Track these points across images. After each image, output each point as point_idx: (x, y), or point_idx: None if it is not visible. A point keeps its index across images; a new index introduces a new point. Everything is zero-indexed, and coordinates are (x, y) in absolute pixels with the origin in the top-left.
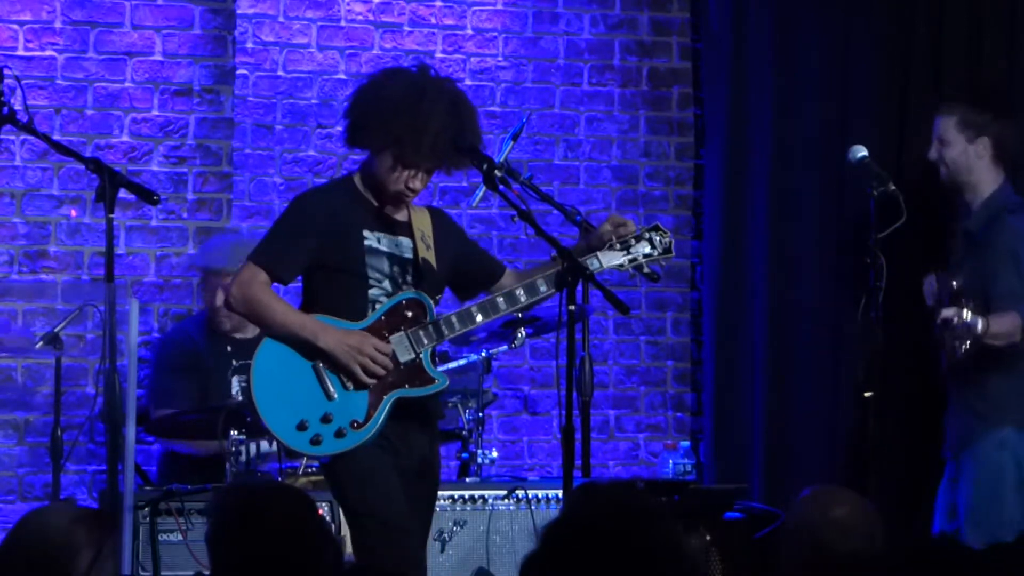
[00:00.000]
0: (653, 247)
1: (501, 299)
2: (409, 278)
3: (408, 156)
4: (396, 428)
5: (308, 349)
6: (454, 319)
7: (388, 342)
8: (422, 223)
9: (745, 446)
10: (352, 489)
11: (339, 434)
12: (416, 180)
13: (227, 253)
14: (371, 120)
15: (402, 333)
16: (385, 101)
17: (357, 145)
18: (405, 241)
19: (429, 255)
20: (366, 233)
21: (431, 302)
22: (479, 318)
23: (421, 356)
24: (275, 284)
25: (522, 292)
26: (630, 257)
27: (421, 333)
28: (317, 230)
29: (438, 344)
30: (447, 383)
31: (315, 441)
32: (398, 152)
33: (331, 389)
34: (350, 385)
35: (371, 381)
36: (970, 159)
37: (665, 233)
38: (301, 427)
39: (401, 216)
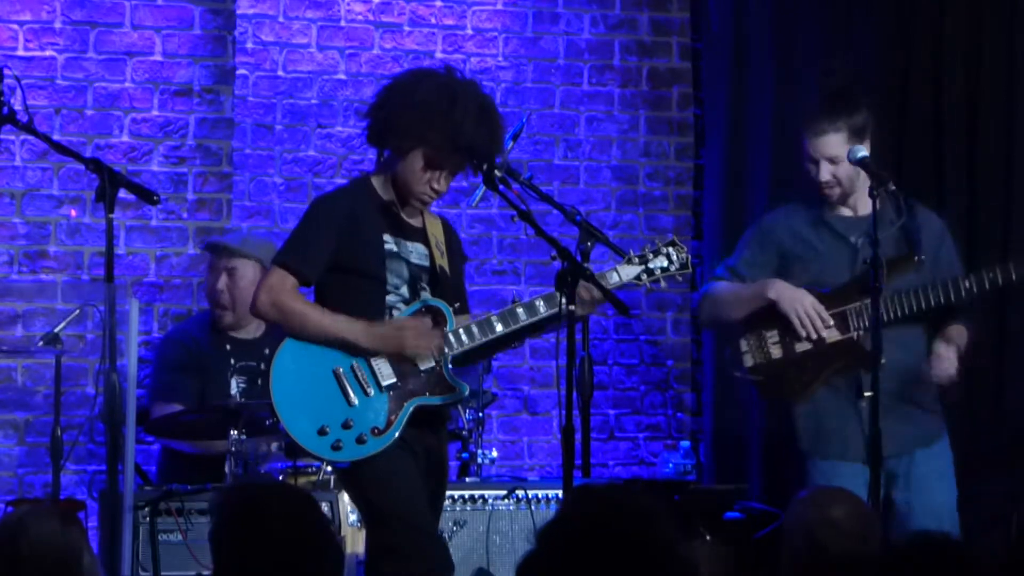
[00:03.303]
0: (671, 262)
1: (521, 309)
2: (426, 285)
3: (439, 157)
4: (411, 431)
5: (333, 354)
6: (474, 328)
7: None
8: (436, 230)
9: (745, 446)
10: (377, 491)
11: (360, 440)
12: (441, 182)
13: (239, 237)
14: (402, 121)
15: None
16: (418, 102)
17: (383, 146)
18: (420, 247)
19: (444, 263)
20: (386, 237)
21: (450, 310)
22: (499, 328)
23: (441, 364)
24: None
25: (542, 303)
26: (648, 271)
27: (450, 339)
28: (338, 231)
29: (457, 352)
30: (468, 391)
31: (336, 447)
32: (429, 153)
33: (352, 395)
34: (371, 391)
35: (432, 357)
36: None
37: (682, 248)
38: (322, 432)
39: (416, 221)
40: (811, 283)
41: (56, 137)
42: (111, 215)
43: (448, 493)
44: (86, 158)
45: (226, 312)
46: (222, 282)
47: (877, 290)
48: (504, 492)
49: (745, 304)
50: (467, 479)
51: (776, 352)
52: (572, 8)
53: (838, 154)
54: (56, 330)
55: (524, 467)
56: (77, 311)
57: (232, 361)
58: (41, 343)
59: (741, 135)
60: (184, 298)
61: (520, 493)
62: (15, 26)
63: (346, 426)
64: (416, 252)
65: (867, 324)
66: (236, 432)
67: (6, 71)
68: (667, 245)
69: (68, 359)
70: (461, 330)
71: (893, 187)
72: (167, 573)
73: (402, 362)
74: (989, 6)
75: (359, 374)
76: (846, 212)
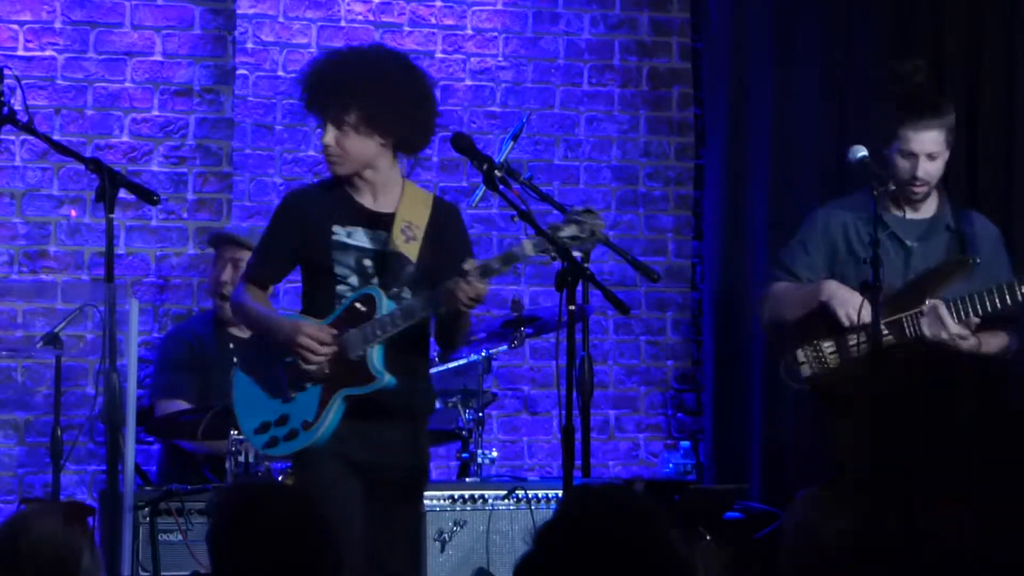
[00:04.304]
0: (581, 231)
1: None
2: (376, 271)
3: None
4: (362, 426)
5: (279, 349)
6: (398, 314)
7: (344, 341)
8: (413, 214)
9: (745, 446)
10: None
11: (291, 435)
12: (325, 135)
13: (244, 231)
14: None
15: (356, 330)
16: None
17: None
18: (381, 233)
19: (409, 247)
20: (335, 228)
21: (383, 297)
22: (420, 314)
23: (366, 352)
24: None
25: None
26: (555, 240)
27: (367, 330)
28: (292, 229)
29: (383, 340)
30: (390, 381)
31: (270, 443)
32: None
33: (290, 390)
34: (306, 385)
35: (312, 368)
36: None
37: (596, 216)
38: (262, 428)
39: (386, 207)
40: (864, 288)
41: (56, 137)
42: (111, 215)
43: (448, 493)
44: (86, 158)
45: (228, 303)
46: (227, 273)
47: (877, 289)
48: (504, 492)
49: (801, 305)
50: (467, 479)
51: (834, 361)
52: (572, 8)
53: (937, 151)
54: (56, 330)
55: (524, 467)
56: (77, 311)
57: (235, 359)
58: (41, 343)
59: (741, 135)
60: (184, 298)
61: (520, 493)
62: (15, 26)
63: (281, 422)
64: (376, 239)
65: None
66: (236, 432)
67: (6, 71)
68: (580, 214)
69: (68, 359)
70: (387, 318)
71: (893, 187)
72: (167, 573)
73: (335, 352)
74: (989, 6)
75: (299, 368)
76: (900, 212)
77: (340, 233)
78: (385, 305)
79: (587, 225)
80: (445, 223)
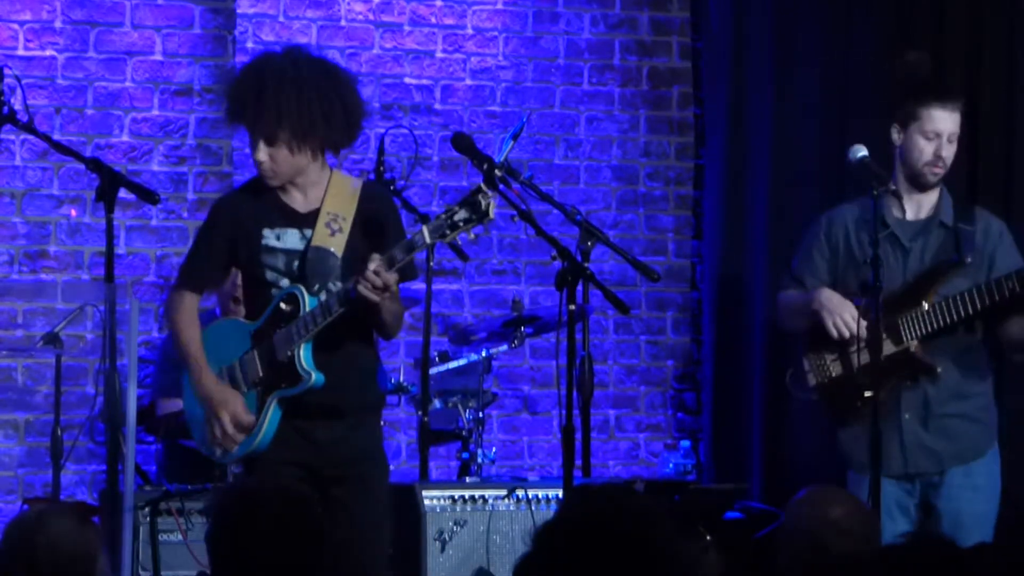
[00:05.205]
0: (474, 211)
1: (362, 287)
2: (305, 270)
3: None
4: (298, 426)
5: (221, 352)
6: (317, 311)
7: (273, 343)
8: (339, 206)
9: (745, 446)
10: None
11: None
12: (256, 152)
13: None
14: None
15: (283, 330)
16: None
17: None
18: (308, 231)
19: (334, 242)
20: (265, 232)
21: (304, 295)
22: (337, 309)
23: (294, 352)
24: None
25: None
26: (452, 224)
27: (292, 329)
28: (224, 234)
29: (310, 338)
30: (318, 380)
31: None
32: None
33: None
34: (244, 389)
35: (218, 444)
36: None
37: (487, 195)
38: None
39: (313, 203)
40: (864, 289)
41: (56, 137)
42: (111, 215)
43: (448, 493)
44: (86, 158)
45: (240, 306)
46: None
47: (878, 289)
48: (504, 492)
49: (800, 315)
50: (467, 479)
51: (836, 370)
52: (572, 8)
53: (955, 134)
54: (56, 330)
55: (524, 467)
56: (77, 311)
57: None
58: (41, 343)
59: (741, 135)
60: None
61: (520, 493)
62: (15, 26)
63: None
64: (304, 237)
65: (921, 333)
66: None
67: (6, 71)
68: (472, 194)
69: (68, 359)
70: (307, 316)
71: (893, 187)
72: (167, 573)
73: (267, 354)
74: (989, 6)
75: (237, 373)
76: (900, 214)
77: (269, 237)
78: (308, 302)
79: (480, 205)
80: (372, 210)
